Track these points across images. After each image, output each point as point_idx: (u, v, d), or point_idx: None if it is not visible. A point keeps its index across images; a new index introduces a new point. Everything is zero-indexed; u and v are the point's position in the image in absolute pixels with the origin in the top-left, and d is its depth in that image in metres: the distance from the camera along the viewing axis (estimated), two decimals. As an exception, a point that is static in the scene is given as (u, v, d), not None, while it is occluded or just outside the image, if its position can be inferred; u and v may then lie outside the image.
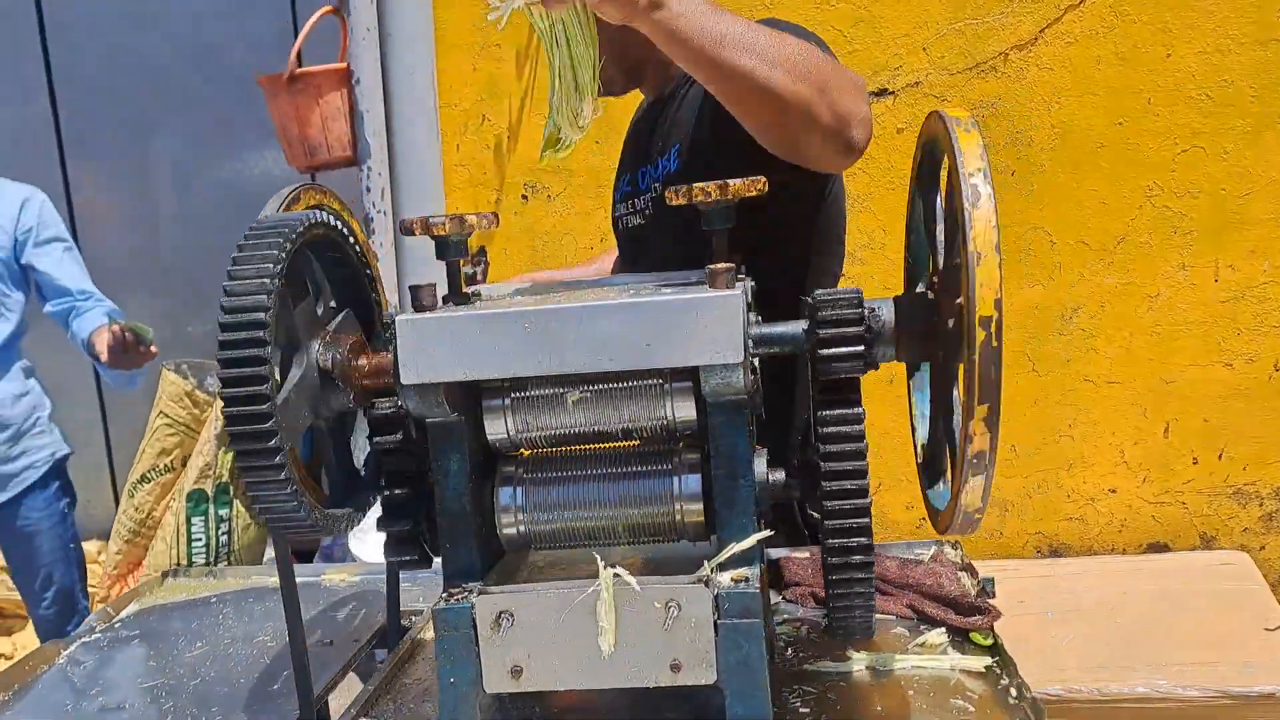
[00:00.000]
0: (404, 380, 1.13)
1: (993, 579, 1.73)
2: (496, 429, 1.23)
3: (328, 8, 2.82)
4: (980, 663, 1.39)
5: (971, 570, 1.69)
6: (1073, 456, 2.91)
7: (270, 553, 3.13)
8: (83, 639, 1.70)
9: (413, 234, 1.25)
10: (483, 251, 3.01)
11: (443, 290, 1.22)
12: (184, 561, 2.89)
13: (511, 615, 1.17)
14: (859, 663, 1.38)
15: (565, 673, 1.17)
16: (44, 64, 3.76)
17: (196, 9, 3.61)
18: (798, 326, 1.14)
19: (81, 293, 2.61)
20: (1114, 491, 2.92)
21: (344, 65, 2.81)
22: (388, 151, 2.86)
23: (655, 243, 1.72)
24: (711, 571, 1.18)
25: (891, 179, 2.83)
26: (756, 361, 1.22)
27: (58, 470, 2.75)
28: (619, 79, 1.73)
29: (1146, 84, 2.68)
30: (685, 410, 1.21)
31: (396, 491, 1.26)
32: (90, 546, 3.90)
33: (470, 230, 1.23)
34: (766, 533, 1.20)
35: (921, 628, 1.49)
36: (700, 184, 1.18)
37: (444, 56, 2.92)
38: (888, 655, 1.40)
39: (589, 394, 1.20)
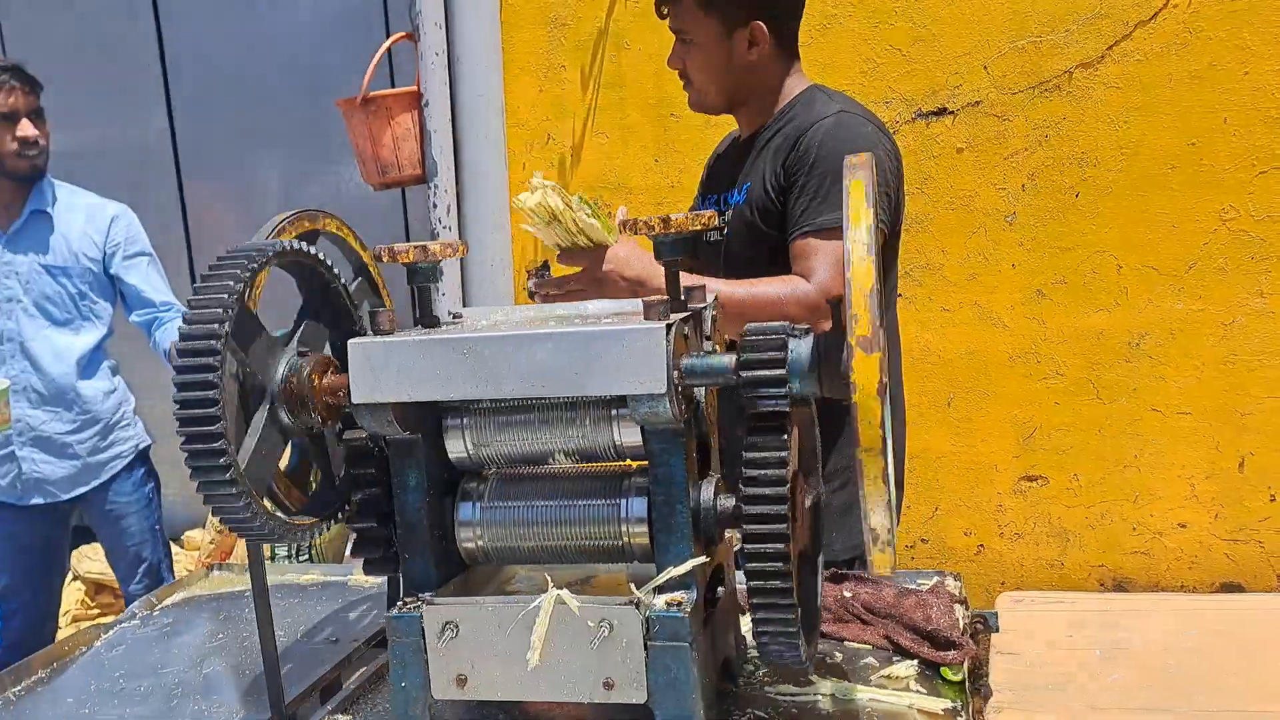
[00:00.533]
0: (354, 399, 1.21)
1: (995, 614, 1.70)
2: (456, 447, 1.29)
3: (401, 34, 2.96)
4: (939, 704, 1.37)
5: (966, 604, 1.67)
6: (1139, 488, 2.79)
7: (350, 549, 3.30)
8: (122, 624, 1.84)
9: (381, 261, 1.33)
10: (545, 265, 3.09)
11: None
12: (267, 554, 3.07)
13: (456, 626, 1.22)
14: (820, 690, 1.39)
15: (505, 684, 1.23)
16: (163, 89, 4.05)
17: (299, 35, 3.83)
18: (726, 360, 1.16)
19: (164, 304, 2.82)
20: (1184, 526, 2.78)
21: (414, 88, 2.95)
22: (454, 170, 2.98)
23: (727, 257, 1.95)
24: (646, 594, 1.21)
25: (951, 199, 2.78)
26: (703, 391, 1.25)
27: (142, 458, 2.98)
28: (716, 103, 1.96)
29: (1222, 103, 2.56)
30: (631, 435, 1.25)
31: (365, 501, 1.34)
32: (196, 534, 4.17)
33: (434, 259, 1.30)
34: (701, 559, 1.22)
35: (894, 659, 1.48)
36: (646, 217, 1.23)
37: (513, 79, 3.02)
38: (850, 685, 1.40)
39: (535, 418, 1.25)
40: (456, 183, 3.01)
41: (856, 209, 0.99)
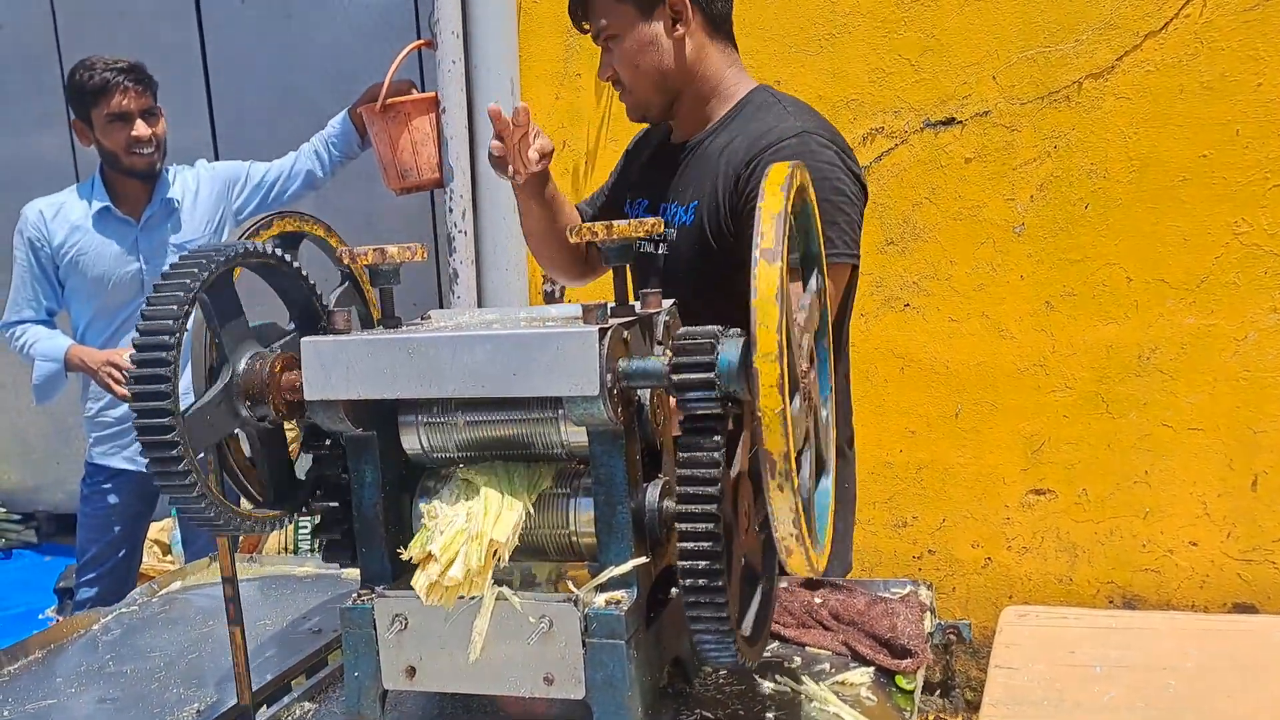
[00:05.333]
0: (306, 396, 1.25)
1: (969, 624, 1.71)
2: (411, 443, 1.33)
3: (420, 41, 3.03)
4: (889, 711, 1.38)
5: (934, 613, 1.67)
6: (1149, 504, 2.75)
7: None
8: (121, 609, 1.92)
9: (343, 263, 1.38)
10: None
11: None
12: (291, 547, 3.15)
13: (405, 619, 1.27)
14: (767, 691, 1.41)
15: (450, 676, 1.27)
16: (205, 95, 4.17)
17: (338, 42, 3.92)
18: (660, 363, 1.19)
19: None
20: (1195, 545, 2.74)
21: (432, 94, 3.01)
22: (471, 175, 3.04)
23: (669, 273, 1.88)
24: (587, 593, 1.24)
25: (959, 209, 2.77)
26: (647, 394, 1.28)
27: None
28: (655, 101, 1.87)
29: (1235, 114, 2.52)
30: (577, 435, 1.28)
31: (327, 495, 1.38)
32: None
33: (392, 261, 1.35)
34: (641, 560, 1.25)
35: (851, 665, 1.49)
36: (589, 224, 1.27)
37: (529, 86, 3.07)
38: (801, 689, 1.41)
39: (486, 416, 1.29)
40: (473, 187, 3.06)
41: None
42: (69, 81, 2.87)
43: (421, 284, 3.59)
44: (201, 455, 1.25)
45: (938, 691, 1.72)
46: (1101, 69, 2.59)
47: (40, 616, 3.65)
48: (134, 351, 1.17)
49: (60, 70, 4.19)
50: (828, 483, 1.27)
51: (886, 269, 2.85)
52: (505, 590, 1.24)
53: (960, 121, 2.72)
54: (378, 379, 1.23)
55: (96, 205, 2.91)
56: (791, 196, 1.09)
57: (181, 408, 1.18)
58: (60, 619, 3.12)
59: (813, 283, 1.35)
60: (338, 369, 1.24)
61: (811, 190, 1.25)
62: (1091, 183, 2.65)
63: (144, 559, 3.66)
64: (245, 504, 1.39)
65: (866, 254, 2.96)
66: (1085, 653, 2.54)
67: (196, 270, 1.22)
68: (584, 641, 1.22)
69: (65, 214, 2.90)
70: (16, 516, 4.50)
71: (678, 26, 1.79)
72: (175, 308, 1.19)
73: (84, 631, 1.82)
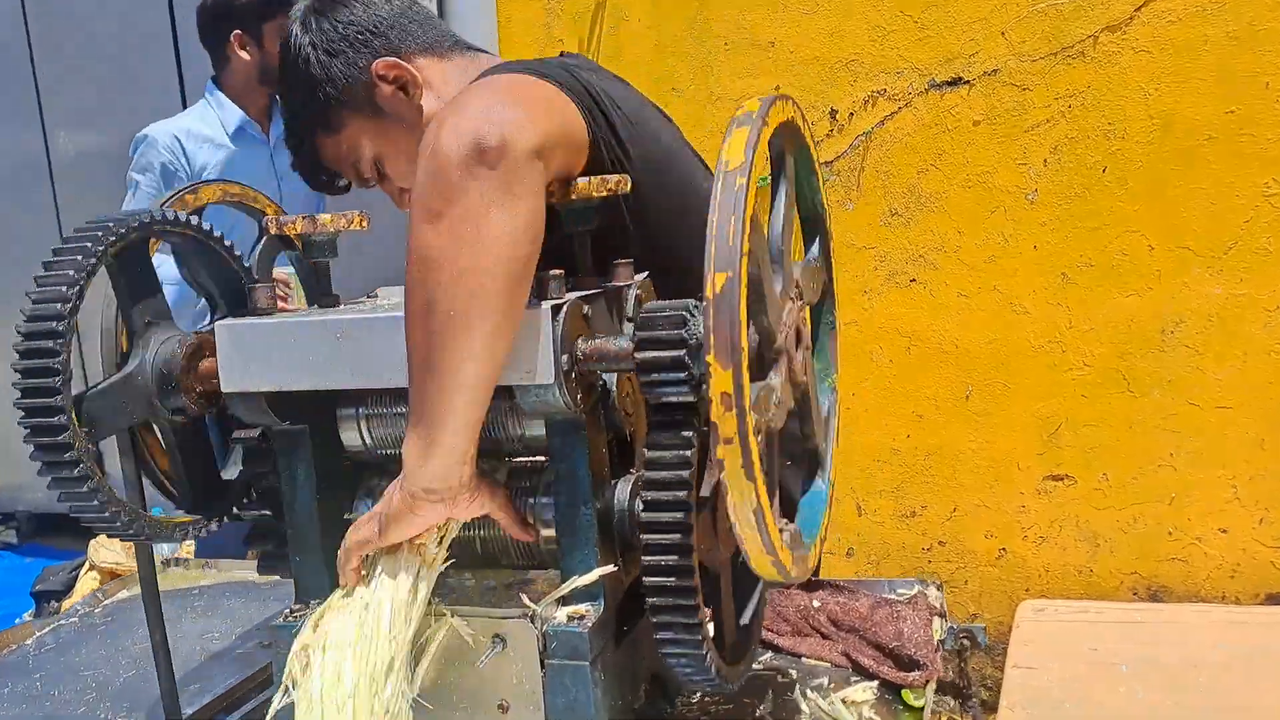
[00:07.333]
0: (223, 387, 1.10)
1: (983, 627, 1.55)
2: (352, 439, 1.17)
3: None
4: (893, 732, 1.22)
5: (945, 617, 1.51)
6: (1175, 489, 2.58)
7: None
8: (60, 621, 1.77)
9: (268, 233, 1.21)
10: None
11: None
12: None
13: (340, 639, 1.11)
14: (761, 713, 1.25)
15: (394, 703, 1.11)
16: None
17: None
18: (623, 343, 1.02)
19: None
20: (1225, 531, 2.57)
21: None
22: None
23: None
24: (546, 607, 1.09)
25: (968, 176, 2.60)
26: (616, 379, 1.11)
27: None
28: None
29: (1265, 67, 2.34)
30: (535, 427, 1.12)
31: (261, 499, 1.23)
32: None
33: (325, 231, 1.18)
34: (609, 568, 1.09)
35: (852, 679, 1.33)
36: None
37: (509, 50, 2.90)
38: (799, 709, 1.26)
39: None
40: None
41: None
42: None
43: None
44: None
45: (951, 694, 1.57)
46: (1119, 21, 2.42)
47: (17, 621, 3.50)
48: (21, 323, 1.03)
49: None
50: (823, 483, 1.10)
51: (890, 242, 2.69)
52: (450, 610, 1.09)
53: (967, 81, 2.55)
54: (303, 367, 1.07)
55: (233, 122, 2.80)
56: (770, 118, 0.91)
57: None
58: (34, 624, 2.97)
59: (815, 248, 1.18)
60: (257, 356, 1.08)
61: (808, 133, 1.08)
62: (1109, 144, 2.48)
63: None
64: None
65: (868, 227, 2.83)
66: (1109, 649, 2.39)
67: (98, 238, 1.07)
68: (543, 662, 1.07)
69: (200, 134, 2.78)
70: (-9, 518, 4.37)
71: (409, 93, 1.39)
72: (72, 273, 1.04)
73: (15, 647, 1.67)
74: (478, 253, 0.92)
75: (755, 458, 0.83)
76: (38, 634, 1.71)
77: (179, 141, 2.76)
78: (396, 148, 1.41)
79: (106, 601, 1.86)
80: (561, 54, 1.46)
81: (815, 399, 1.09)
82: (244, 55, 2.79)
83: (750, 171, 0.83)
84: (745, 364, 0.82)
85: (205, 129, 2.80)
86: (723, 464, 0.81)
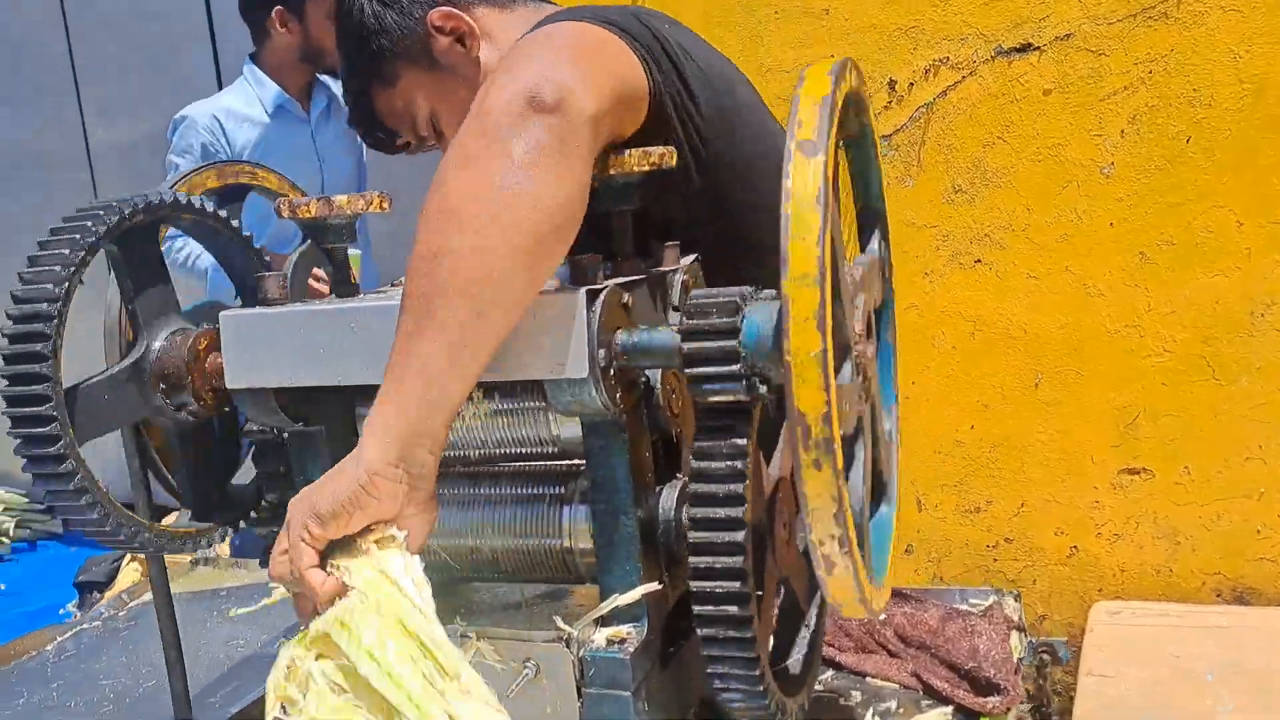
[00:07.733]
0: (229, 384, 1.00)
1: (1064, 640, 1.42)
2: (371, 441, 1.07)
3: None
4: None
5: (1025, 630, 1.38)
6: (1265, 483, 2.41)
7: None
8: (83, 625, 1.70)
9: (281, 216, 1.11)
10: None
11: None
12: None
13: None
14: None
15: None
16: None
17: None
18: (669, 335, 0.90)
19: None
20: (1318, 528, 2.40)
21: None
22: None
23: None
24: (583, 629, 0.98)
25: (1037, 149, 2.44)
26: (660, 375, 1.00)
27: None
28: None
29: (1368, 25, 2.16)
30: (571, 428, 1.01)
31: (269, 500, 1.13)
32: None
33: (341, 213, 1.08)
34: (653, 585, 0.97)
35: (924, 703, 1.21)
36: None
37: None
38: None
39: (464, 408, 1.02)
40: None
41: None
42: None
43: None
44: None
45: (1030, 707, 1.45)
46: (1206, -22, 2.24)
47: (60, 611, 3.49)
48: (10, 308, 0.94)
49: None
50: (890, 511, 0.97)
51: (954, 220, 2.54)
52: (476, 632, 0.98)
53: (1038, 47, 2.39)
54: (313, 362, 0.97)
55: (272, 100, 2.77)
56: (843, 88, 0.79)
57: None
58: (78, 614, 2.94)
59: (873, 244, 1.06)
60: (264, 350, 0.98)
61: (870, 113, 0.95)
62: (1194, 112, 2.30)
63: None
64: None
65: (930, 205, 2.68)
66: (1192, 656, 2.23)
67: (95, 220, 0.97)
68: (579, 691, 0.96)
69: (239, 113, 2.75)
70: (40, 507, 4.36)
71: (466, 44, 1.32)
72: (67, 253, 0.94)
73: (35, 654, 1.60)
74: (515, 207, 0.81)
75: (837, 434, 0.71)
76: (59, 639, 1.64)
77: (218, 121, 2.72)
78: (453, 104, 1.32)
79: (132, 604, 1.79)
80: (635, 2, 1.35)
81: (881, 417, 0.97)
82: (285, 32, 2.74)
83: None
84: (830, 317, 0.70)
85: (244, 107, 2.76)
86: (799, 441, 0.69)
